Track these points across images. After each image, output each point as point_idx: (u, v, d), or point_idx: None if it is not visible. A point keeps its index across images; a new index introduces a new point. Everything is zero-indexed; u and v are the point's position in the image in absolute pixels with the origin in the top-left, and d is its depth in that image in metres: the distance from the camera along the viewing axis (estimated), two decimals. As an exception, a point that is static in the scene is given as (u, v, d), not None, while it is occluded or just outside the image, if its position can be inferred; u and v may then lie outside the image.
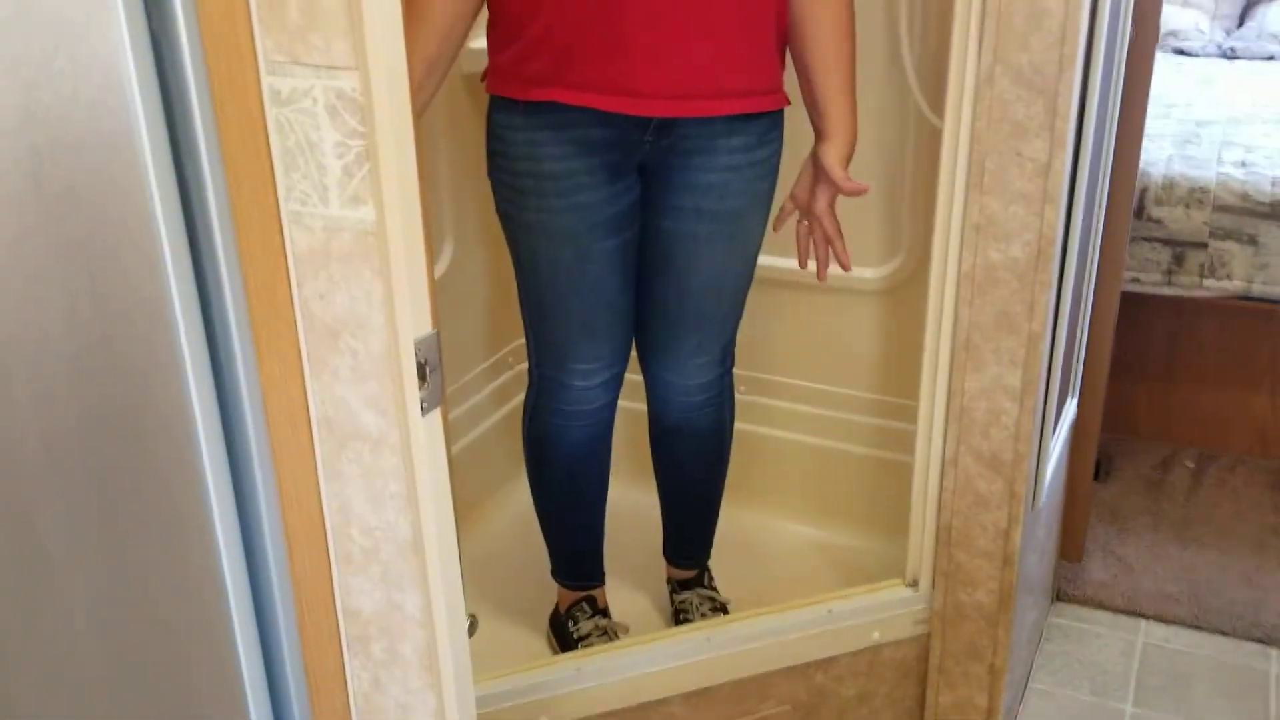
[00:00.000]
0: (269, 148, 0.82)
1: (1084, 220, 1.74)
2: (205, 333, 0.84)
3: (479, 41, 1.70)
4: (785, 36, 1.59)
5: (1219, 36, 4.10)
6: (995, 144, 1.51)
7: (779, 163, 1.67)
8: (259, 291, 0.85)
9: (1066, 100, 1.45)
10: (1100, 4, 1.51)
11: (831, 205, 1.65)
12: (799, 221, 1.71)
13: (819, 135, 1.63)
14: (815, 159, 1.64)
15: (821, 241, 1.67)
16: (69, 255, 0.78)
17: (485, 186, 1.66)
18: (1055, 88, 1.45)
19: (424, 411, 0.86)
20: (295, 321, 0.87)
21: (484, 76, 1.59)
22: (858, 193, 1.61)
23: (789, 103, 1.63)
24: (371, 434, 0.87)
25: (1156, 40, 1.96)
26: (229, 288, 0.84)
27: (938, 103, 1.86)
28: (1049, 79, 1.45)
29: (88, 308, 0.79)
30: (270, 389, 0.87)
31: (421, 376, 0.85)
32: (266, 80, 0.81)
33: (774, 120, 1.63)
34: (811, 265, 1.72)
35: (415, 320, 0.84)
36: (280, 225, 0.84)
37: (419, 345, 0.85)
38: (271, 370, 0.87)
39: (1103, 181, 1.96)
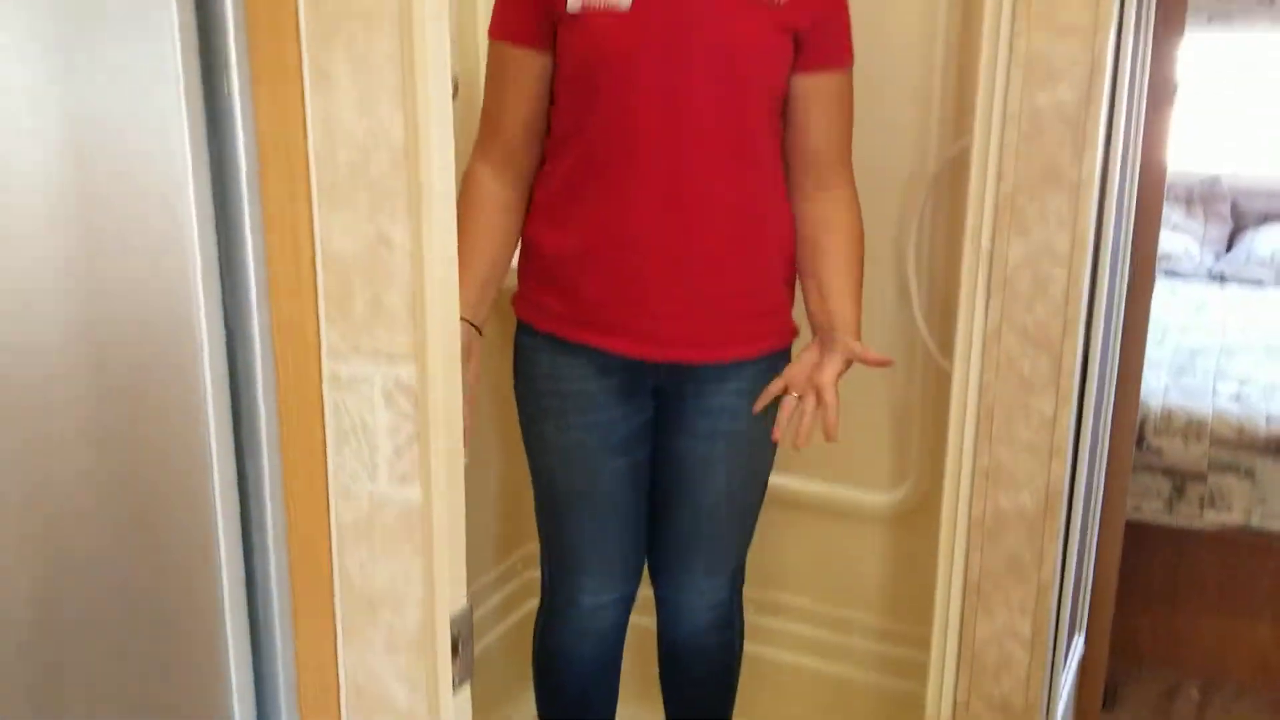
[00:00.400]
0: (324, 426, 0.86)
1: (1089, 461, 1.79)
2: (246, 591, 0.87)
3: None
4: (793, 274, 1.67)
5: (1209, 261, 4.26)
6: (1003, 395, 1.56)
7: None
8: (302, 558, 0.88)
9: (1071, 359, 1.51)
10: (1101, 273, 1.59)
11: (837, 380, 1.64)
12: (784, 397, 1.70)
13: (828, 330, 1.66)
14: (824, 341, 1.65)
15: (811, 412, 1.64)
16: (123, 494, 0.81)
17: (501, 390, 1.73)
18: (1060, 347, 1.52)
19: (455, 687, 0.87)
20: (333, 589, 0.89)
21: (514, 300, 1.67)
22: (881, 363, 1.63)
23: (798, 334, 1.69)
24: (401, 708, 0.88)
25: (1151, 291, 2.05)
26: (274, 554, 0.87)
27: (945, 344, 1.93)
28: (1054, 339, 1.52)
29: (135, 542, 0.81)
30: (305, 655, 0.88)
31: (454, 651, 0.87)
32: (328, 365, 0.86)
33: (785, 351, 1.69)
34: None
35: (452, 596, 0.86)
36: (328, 497, 0.88)
37: (454, 621, 0.87)
38: (307, 637, 0.88)
39: (1105, 417, 2.02)
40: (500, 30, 1.55)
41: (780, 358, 1.69)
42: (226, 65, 0.74)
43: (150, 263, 0.74)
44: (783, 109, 1.59)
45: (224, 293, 0.80)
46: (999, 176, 1.55)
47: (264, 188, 0.81)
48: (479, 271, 1.58)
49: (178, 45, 0.72)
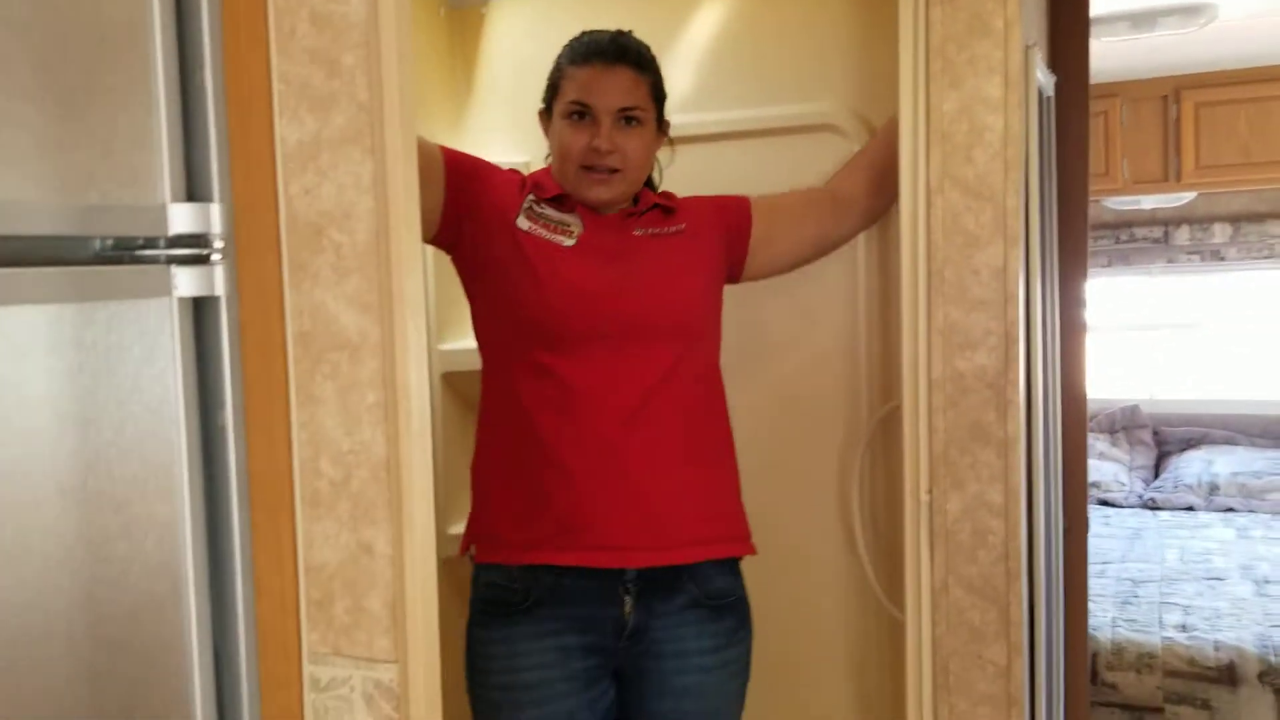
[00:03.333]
0: (304, 732, 0.88)
1: (1047, 705, 1.81)
2: None
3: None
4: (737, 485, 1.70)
5: (1139, 487, 4.41)
6: (957, 648, 1.60)
7: (749, 660, 1.73)
8: None
9: (1018, 609, 1.57)
10: (1036, 518, 1.68)
11: None
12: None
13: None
14: None
15: None
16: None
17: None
18: (1006, 598, 1.57)
19: None
20: None
21: (465, 549, 1.66)
22: None
23: (755, 551, 1.70)
24: None
25: (1087, 529, 2.14)
26: None
27: (893, 590, 1.98)
28: (999, 590, 1.57)
29: None
30: None
31: None
32: (309, 669, 0.88)
33: (741, 619, 1.69)
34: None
35: None
36: (305, 805, 0.88)
37: None
38: None
39: (1057, 660, 2.05)
40: (454, 160, 1.59)
41: (738, 630, 1.66)
42: (222, 404, 0.80)
43: (146, 587, 0.77)
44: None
45: (213, 606, 0.83)
46: (930, 433, 1.65)
47: (252, 501, 0.86)
48: None
49: (179, 384, 0.79)
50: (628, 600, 1.57)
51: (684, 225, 1.66)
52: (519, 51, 2.27)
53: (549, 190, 1.61)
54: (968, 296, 1.62)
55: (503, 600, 1.59)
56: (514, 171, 1.67)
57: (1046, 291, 1.96)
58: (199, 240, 0.80)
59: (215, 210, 0.81)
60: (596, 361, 1.53)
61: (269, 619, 0.86)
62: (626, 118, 1.56)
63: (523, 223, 1.58)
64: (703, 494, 1.63)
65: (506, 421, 1.60)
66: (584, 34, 1.62)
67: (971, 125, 1.61)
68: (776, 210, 1.77)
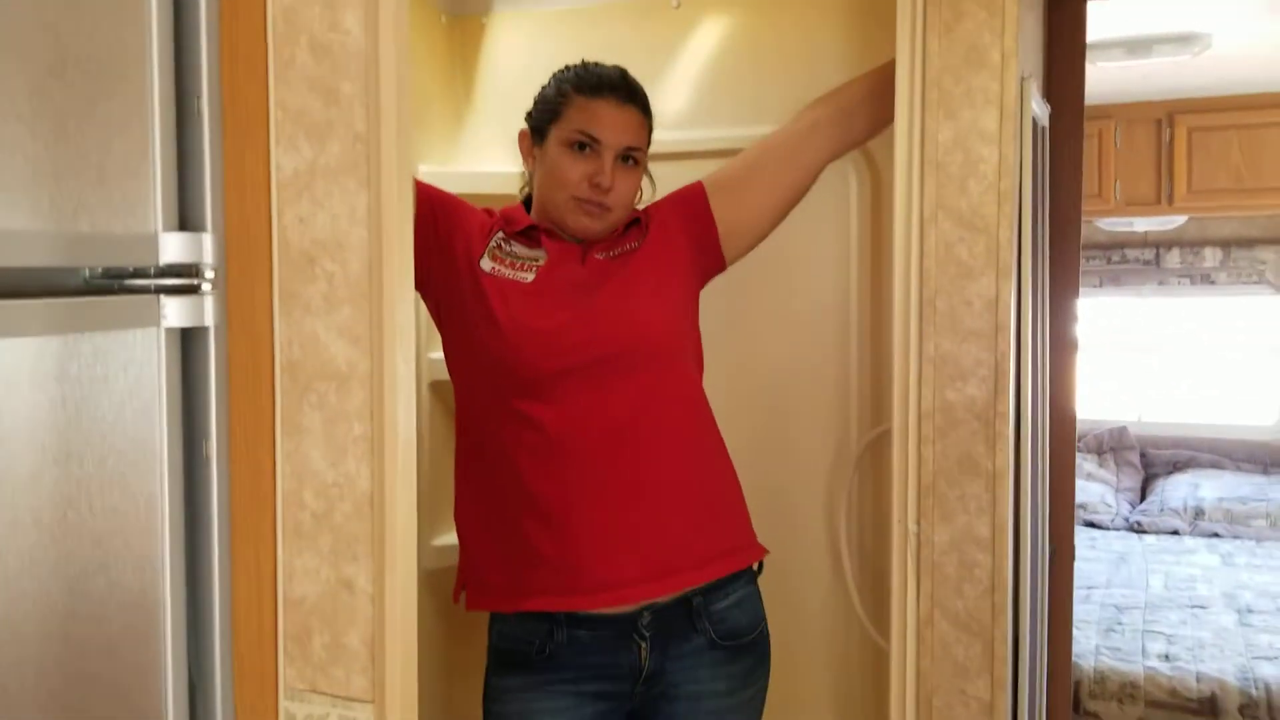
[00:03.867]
0: (281, 768, 0.87)
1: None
2: None
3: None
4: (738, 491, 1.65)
5: (1125, 509, 4.42)
6: (941, 683, 1.60)
7: (765, 696, 1.67)
8: None
9: (1003, 646, 1.57)
10: (1022, 553, 1.67)
11: None
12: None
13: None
14: None
15: None
16: None
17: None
18: (991, 633, 1.57)
19: None
20: None
21: (457, 596, 1.63)
22: None
23: (766, 551, 1.66)
24: None
25: (1073, 560, 2.14)
26: None
27: (878, 618, 1.98)
28: (984, 625, 1.57)
29: None
30: None
31: None
32: (285, 704, 0.87)
33: (760, 657, 1.65)
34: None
35: None
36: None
37: None
38: None
39: (1040, 692, 2.05)
40: (427, 195, 1.55)
41: (754, 670, 1.62)
42: (207, 434, 0.80)
43: (124, 621, 0.76)
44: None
45: (189, 639, 0.82)
46: (919, 464, 1.65)
47: (233, 532, 0.85)
48: None
49: (164, 416, 0.78)
50: (643, 646, 1.52)
51: (642, 238, 1.62)
52: (518, 62, 2.26)
53: (518, 223, 1.58)
54: (959, 327, 1.62)
55: (518, 651, 1.54)
56: (487, 211, 1.63)
57: (1037, 314, 1.96)
58: (189, 270, 0.79)
59: (207, 240, 0.81)
60: (570, 398, 1.49)
61: (246, 653, 0.85)
62: (626, 157, 1.54)
63: (486, 263, 1.54)
64: (697, 513, 1.58)
65: (487, 469, 1.56)
66: (589, 65, 1.58)
67: (966, 156, 1.61)
68: (733, 178, 1.70)
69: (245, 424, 0.85)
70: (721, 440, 1.65)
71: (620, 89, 1.53)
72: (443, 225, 1.55)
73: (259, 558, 0.86)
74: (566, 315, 1.51)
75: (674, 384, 1.59)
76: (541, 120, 1.56)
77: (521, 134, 1.60)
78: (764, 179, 1.72)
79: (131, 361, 0.76)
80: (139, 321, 0.76)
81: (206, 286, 0.80)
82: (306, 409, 0.86)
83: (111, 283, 0.76)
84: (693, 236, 1.66)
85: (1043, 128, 2.03)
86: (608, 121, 1.51)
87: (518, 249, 1.57)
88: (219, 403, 0.82)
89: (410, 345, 0.88)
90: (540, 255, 1.55)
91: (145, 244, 0.77)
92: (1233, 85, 3.99)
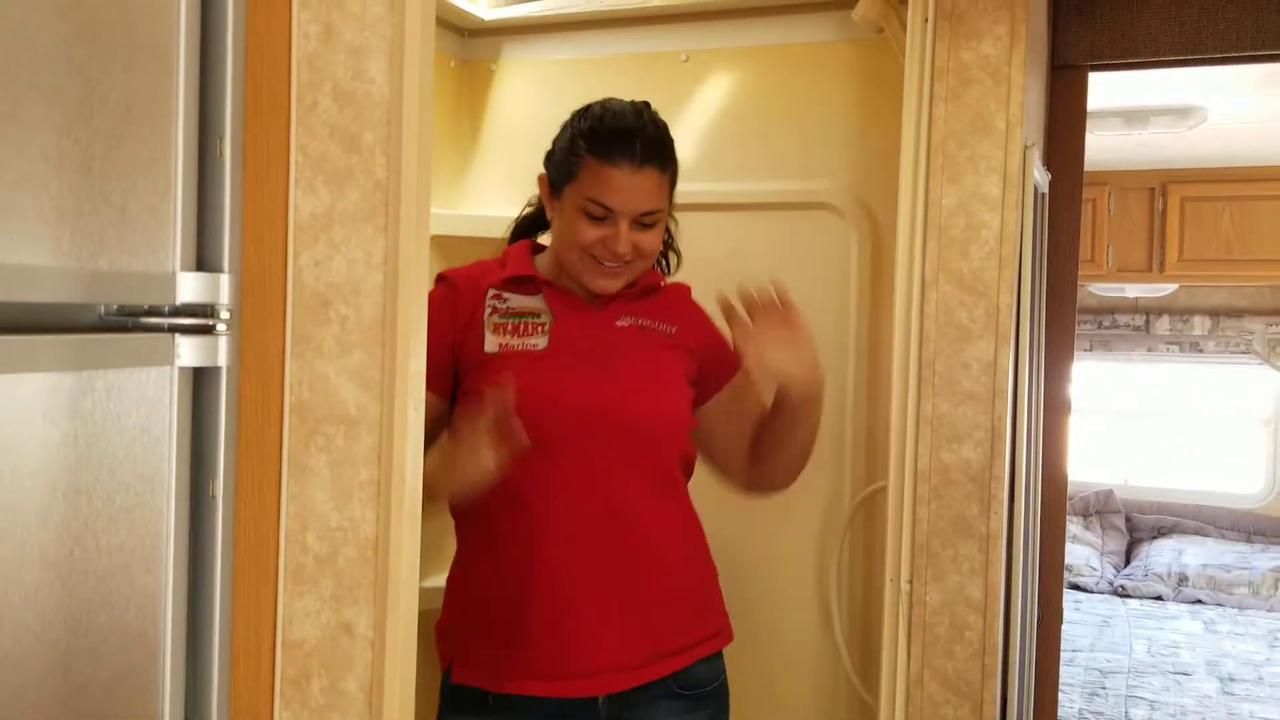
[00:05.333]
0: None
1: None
2: None
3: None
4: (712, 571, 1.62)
5: (1109, 573, 4.42)
6: (928, 741, 1.59)
7: None
8: None
9: (991, 708, 1.56)
10: (1012, 615, 1.67)
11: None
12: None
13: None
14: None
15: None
16: None
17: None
18: (980, 695, 1.57)
19: None
20: None
21: (444, 662, 1.56)
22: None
23: (732, 639, 1.62)
24: None
25: (1060, 623, 2.14)
26: None
27: (866, 675, 1.97)
28: (974, 687, 1.57)
29: None
30: None
31: None
32: (280, 743, 0.87)
33: (720, 708, 1.60)
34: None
35: None
36: None
37: None
38: None
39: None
40: (439, 338, 1.46)
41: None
42: (215, 474, 0.80)
43: (124, 659, 0.76)
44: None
45: (188, 680, 0.82)
46: (914, 523, 1.65)
47: (235, 573, 0.85)
48: None
49: (173, 454, 0.78)
50: (600, 700, 1.50)
51: (676, 328, 1.55)
52: (526, 108, 2.29)
53: (511, 269, 1.52)
54: (957, 389, 1.63)
55: (473, 708, 1.51)
56: (471, 283, 1.53)
57: (1033, 377, 1.97)
58: (205, 310, 0.80)
59: (225, 281, 0.81)
60: (564, 471, 1.44)
61: (243, 694, 0.84)
62: (643, 221, 1.47)
63: (490, 344, 1.48)
64: (684, 604, 1.54)
65: (479, 550, 1.52)
66: (605, 113, 1.49)
67: (969, 221, 1.64)
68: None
69: (252, 464, 0.85)
70: (699, 522, 1.60)
71: (635, 152, 1.43)
72: (455, 339, 1.49)
73: (259, 599, 0.85)
74: (580, 382, 1.46)
75: (671, 466, 1.54)
76: (558, 177, 1.50)
77: (540, 178, 1.55)
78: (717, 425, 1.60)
79: (144, 399, 0.76)
80: (153, 359, 0.76)
81: (222, 327, 0.80)
82: (314, 451, 0.86)
83: (126, 320, 0.76)
84: (699, 369, 1.58)
85: (1042, 194, 2.05)
86: (621, 190, 1.43)
87: (514, 301, 1.51)
88: (228, 443, 0.82)
89: (420, 392, 0.88)
90: (544, 310, 1.50)
91: (162, 283, 0.77)
92: (1225, 158, 4.05)
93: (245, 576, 0.85)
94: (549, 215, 1.54)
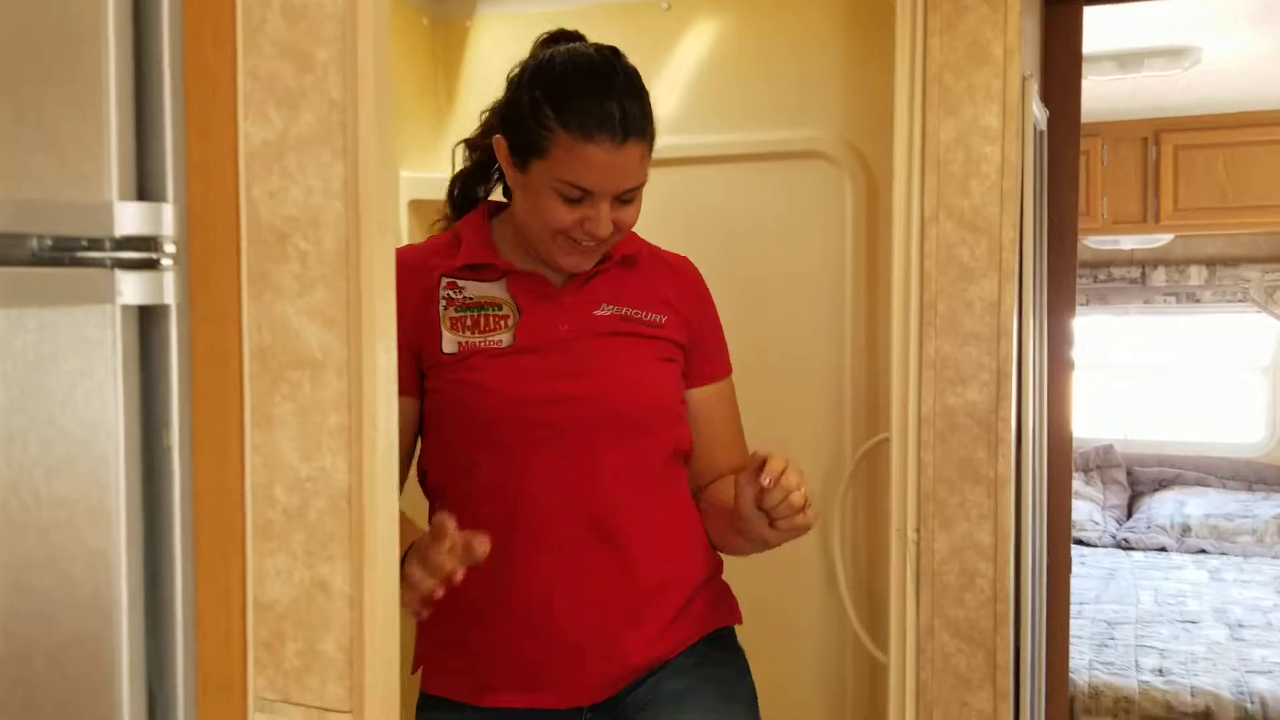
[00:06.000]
0: (247, 786, 0.80)
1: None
2: None
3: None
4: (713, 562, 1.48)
5: (1112, 527, 4.38)
6: (941, 694, 1.54)
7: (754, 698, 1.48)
8: None
9: (1005, 655, 1.51)
10: (1023, 563, 1.62)
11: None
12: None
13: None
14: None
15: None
16: None
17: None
18: (993, 642, 1.51)
19: None
20: None
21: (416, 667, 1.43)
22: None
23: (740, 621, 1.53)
24: None
25: (1069, 572, 2.09)
26: None
27: (874, 631, 1.92)
28: (986, 634, 1.51)
29: None
30: None
31: None
32: (254, 717, 0.81)
33: (739, 670, 1.47)
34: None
35: None
36: None
37: None
38: None
39: (1039, 706, 2.00)
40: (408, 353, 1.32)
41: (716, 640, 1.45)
42: (168, 422, 0.73)
43: (72, 623, 0.70)
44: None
45: (148, 646, 0.76)
46: (919, 470, 1.60)
47: (198, 531, 0.79)
48: None
49: (120, 400, 0.72)
50: (586, 716, 1.38)
51: (665, 318, 1.39)
52: (503, 66, 2.20)
53: (466, 254, 1.35)
54: (960, 330, 1.57)
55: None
56: (420, 271, 1.36)
57: (1036, 327, 1.91)
58: (149, 243, 0.73)
59: (168, 210, 0.74)
60: (539, 476, 1.31)
61: (211, 660, 0.78)
62: (627, 195, 1.31)
63: (448, 343, 1.32)
64: (669, 605, 1.39)
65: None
66: (572, 72, 1.30)
67: (968, 155, 1.57)
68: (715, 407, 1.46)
69: (210, 413, 0.78)
70: (697, 511, 1.45)
71: (614, 127, 1.25)
72: (415, 342, 1.34)
73: (226, 557, 0.79)
74: (550, 379, 1.32)
75: (663, 454, 1.39)
76: (522, 147, 1.30)
77: (498, 142, 1.34)
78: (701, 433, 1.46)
79: (84, 340, 0.69)
80: (92, 297, 0.70)
81: (167, 261, 0.74)
82: (278, 399, 0.80)
83: (62, 255, 0.69)
84: (688, 349, 1.44)
85: (1041, 132, 1.99)
86: (602, 171, 1.26)
87: (471, 289, 1.35)
88: (181, 389, 0.75)
89: (391, 332, 0.82)
90: (506, 300, 1.34)
91: (99, 213, 0.71)
92: (1218, 104, 3.99)
93: (209, 534, 0.79)
94: (510, 183, 1.36)
